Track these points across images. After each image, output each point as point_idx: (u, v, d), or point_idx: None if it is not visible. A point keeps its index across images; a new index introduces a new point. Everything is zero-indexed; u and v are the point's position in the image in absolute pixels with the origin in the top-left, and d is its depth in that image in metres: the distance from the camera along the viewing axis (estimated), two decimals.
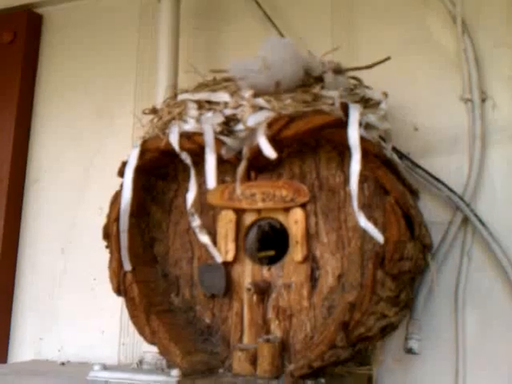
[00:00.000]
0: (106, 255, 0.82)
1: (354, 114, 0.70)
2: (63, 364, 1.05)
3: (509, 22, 0.91)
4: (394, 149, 0.83)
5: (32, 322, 1.16)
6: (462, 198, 0.86)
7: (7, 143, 1.21)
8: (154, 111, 0.87)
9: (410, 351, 0.82)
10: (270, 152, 0.72)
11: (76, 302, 1.12)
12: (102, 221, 0.83)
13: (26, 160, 1.23)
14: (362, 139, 0.70)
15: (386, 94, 0.82)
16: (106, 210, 0.83)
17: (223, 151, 0.75)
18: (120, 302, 1.03)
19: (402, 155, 0.87)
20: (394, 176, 0.71)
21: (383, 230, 0.68)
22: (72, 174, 1.18)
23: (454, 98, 0.91)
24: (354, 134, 0.69)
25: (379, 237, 0.67)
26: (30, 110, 1.26)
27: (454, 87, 0.92)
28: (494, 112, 0.89)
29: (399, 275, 0.69)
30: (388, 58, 0.82)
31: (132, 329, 1.04)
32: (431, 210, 0.87)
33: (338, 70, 0.79)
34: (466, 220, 0.87)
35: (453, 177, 0.88)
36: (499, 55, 0.90)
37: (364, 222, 0.68)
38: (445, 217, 0.88)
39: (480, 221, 0.85)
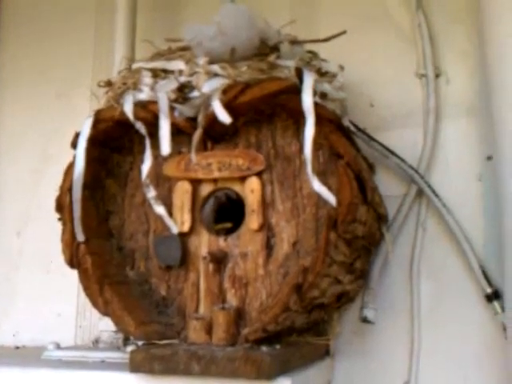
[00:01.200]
0: None
1: (309, 79, 0.70)
2: (18, 348, 1.02)
3: None
4: (351, 122, 0.84)
5: None
6: (416, 171, 0.87)
7: None
8: (109, 84, 0.86)
9: (365, 320, 0.82)
10: (224, 117, 0.71)
11: (32, 286, 1.10)
12: None
13: None
14: (316, 105, 0.70)
15: (342, 67, 0.82)
16: None
17: (176, 113, 0.74)
18: (77, 284, 1.01)
19: (358, 129, 0.87)
20: (348, 142, 0.72)
21: (336, 193, 0.68)
22: (29, 155, 1.16)
23: (409, 74, 0.93)
24: (307, 99, 0.69)
25: (332, 199, 0.67)
26: None
27: (409, 63, 0.93)
28: (447, 87, 0.91)
29: (352, 240, 0.69)
30: (344, 32, 0.82)
31: (89, 312, 1.04)
32: (387, 184, 0.88)
33: (295, 41, 0.79)
34: (420, 192, 0.88)
35: (408, 150, 0.89)
36: (453, 31, 0.92)
37: (317, 185, 0.68)
38: (400, 190, 0.89)
39: (434, 192, 0.86)
